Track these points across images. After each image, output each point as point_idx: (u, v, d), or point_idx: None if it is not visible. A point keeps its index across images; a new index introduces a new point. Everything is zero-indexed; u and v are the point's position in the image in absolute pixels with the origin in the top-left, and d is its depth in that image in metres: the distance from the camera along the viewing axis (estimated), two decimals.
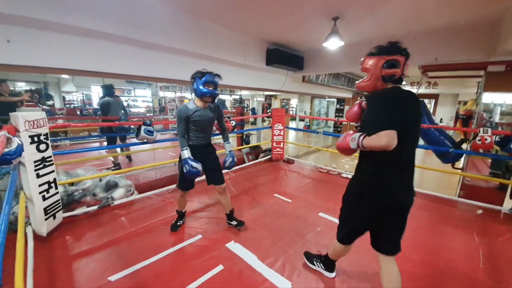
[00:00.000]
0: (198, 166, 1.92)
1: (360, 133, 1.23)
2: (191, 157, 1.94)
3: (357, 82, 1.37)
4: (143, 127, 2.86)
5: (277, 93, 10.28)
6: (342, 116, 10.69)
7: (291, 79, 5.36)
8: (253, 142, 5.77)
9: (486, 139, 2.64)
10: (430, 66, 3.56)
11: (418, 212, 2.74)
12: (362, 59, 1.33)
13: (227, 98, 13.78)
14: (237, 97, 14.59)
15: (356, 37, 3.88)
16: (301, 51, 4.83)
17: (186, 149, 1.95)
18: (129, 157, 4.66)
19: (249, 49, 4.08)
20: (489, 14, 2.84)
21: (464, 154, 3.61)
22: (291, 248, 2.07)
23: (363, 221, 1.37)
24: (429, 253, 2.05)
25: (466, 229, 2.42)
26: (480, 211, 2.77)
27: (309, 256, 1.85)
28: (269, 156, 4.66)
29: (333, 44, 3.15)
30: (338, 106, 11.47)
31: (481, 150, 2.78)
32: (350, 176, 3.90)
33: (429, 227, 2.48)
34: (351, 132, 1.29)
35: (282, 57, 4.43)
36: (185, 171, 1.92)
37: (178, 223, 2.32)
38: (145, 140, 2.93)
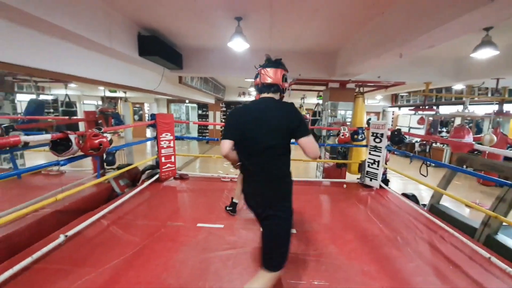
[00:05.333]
0: None
1: None
2: None
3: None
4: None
5: (125, 94, 8.25)
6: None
7: (166, 79, 4.47)
8: (119, 161, 4.18)
9: (346, 134, 3.69)
10: (298, 79, 4.43)
11: (313, 198, 3.30)
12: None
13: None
14: (50, 97, 10.01)
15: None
16: (180, 46, 4.14)
17: None
18: None
19: (115, 28, 2.84)
20: (332, 48, 3.98)
21: (320, 147, 4.86)
22: None
23: None
24: (348, 226, 2.47)
25: (349, 201, 3.22)
26: (345, 186, 3.83)
27: None
28: (157, 177, 3.57)
29: (238, 45, 2.96)
30: (200, 112, 11.38)
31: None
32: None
33: (330, 207, 3.05)
34: None
35: (161, 48, 3.54)
36: None
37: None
38: None
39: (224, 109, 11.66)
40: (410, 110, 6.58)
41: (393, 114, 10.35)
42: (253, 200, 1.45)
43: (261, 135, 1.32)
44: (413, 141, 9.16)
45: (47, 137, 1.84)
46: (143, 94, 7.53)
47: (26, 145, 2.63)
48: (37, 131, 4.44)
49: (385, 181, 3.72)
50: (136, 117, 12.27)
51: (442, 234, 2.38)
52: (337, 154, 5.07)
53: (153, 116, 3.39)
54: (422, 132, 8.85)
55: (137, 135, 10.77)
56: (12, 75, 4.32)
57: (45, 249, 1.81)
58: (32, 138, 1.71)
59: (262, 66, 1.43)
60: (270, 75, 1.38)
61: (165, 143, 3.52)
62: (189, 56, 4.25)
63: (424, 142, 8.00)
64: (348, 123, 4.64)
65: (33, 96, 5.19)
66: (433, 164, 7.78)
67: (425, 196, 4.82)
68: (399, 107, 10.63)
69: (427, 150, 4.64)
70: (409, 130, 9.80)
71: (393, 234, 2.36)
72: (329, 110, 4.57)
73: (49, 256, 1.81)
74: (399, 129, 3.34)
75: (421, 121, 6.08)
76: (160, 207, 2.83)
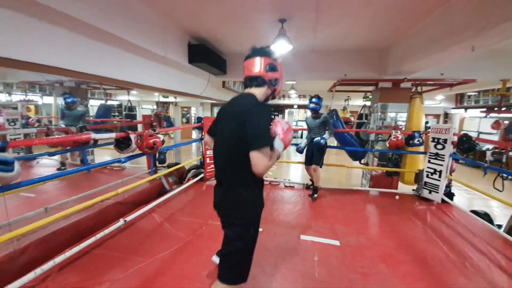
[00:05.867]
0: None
1: None
2: None
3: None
4: None
5: (175, 99, 9.03)
6: None
7: (211, 84, 4.70)
8: (169, 160, 4.55)
9: (398, 137, 3.31)
10: (343, 80, 4.17)
11: (359, 208, 3.04)
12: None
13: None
14: (116, 102, 11.61)
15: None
16: (224, 52, 4.31)
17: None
18: None
19: (169, 38, 3.09)
20: (383, 44, 3.64)
21: (368, 152, 4.48)
22: None
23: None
24: (402, 245, 2.18)
25: (403, 215, 2.85)
26: (397, 197, 3.42)
27: None
28: (201, 176, 3.77)
29: (282, 47, 2.92)
30: None
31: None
32: (292, 184, 3.96)
33: (378, 221, 2.74)
34: None
35: (208, 56, 3.73)
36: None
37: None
38: None
39: None
40: (481, 112, 5.58)
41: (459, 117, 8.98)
42: (215, 202, 1.30)
43: (221, 134, 1.24)
44: (484, 149, 7.75)
45: (112, 135, 2.10)
46: (190, 98, 8.11)
47: (95, 143, 3.04)
48: (106, 131, 5.13)
49: (449, 194, 3.21)
50: (184, 119, 13.31)
51: None
52: (387, 161, 4.59)
53: (199, 119, 3.59)
54: (495, 138, 7.45)
55: (184, 136, 11.61)
56: (86, 83, 5.10)
57: (107, 231, 2.05)
58: (100, 136, 1.97)
59: (246, 58, 1.26)
60: (251, 66, 1.21)
61: None
62: (232, 61, 4.39)
63: (498, 150, 6.69)
64: (400, 126, 4.17)
65: (102, 102, 6.03)
66: (510, 177, 6.46)
67: (498, 215, 4.02)
68: (466, 108, 9.14)
69: (503, 160, 3.83)
70: (478, 136, 8.35)
71: (460, 258, 2.00)
72: (379, 113, 4.17)
73: (108, 243, 2.04)
74: (468, 135, 2.84)
75: (496, 125, 5.07)
76: (202, 205, 2.96)
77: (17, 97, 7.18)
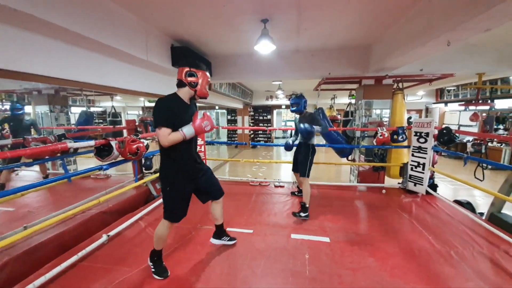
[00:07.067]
0: None
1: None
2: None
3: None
4: None
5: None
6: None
7: None
8: (156, 165, 4.44)
9: (385, 134, 3.38)
10: (328, 78, 4.23)
11: (347, 204, 3.09)
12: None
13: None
14: (99, 109, 11.27)
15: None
16: (209, 55, 4.28)
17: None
18: None
19: (151, 42, 3.03)
20: (365, 42, 3.72)
21: (354, 149, 4.55)
22: None
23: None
24: (390, 238, 2.23)
25: (390, 208, 2.92)
26: (384, 191, 3.49)
27: None
28: None
29: (265, 47, 2.92)
30: (229, 117, 11.70)
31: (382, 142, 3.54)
32: (282, 184, 3.97)
33: (367, 215, 2.79)
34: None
35: (193, 58, 3.69)
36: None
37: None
38: None
39: (252, 113, 11.78)
40: (460, 105, 5.81)
41: (439, 111, 9.35)
42: None
43: None
44: (464, 141, 8.10)
45: (91, 143, 2.02)
46: None
47: (75, 151, 2.91)
48: (88, 139, 4.95)
49: (433, 186, 3.31)
50: None
51: (507, 249, 2.01)
52: (374, 156, 4.68)
53: None
54: (474, 130, 7.80)
55: None
56: (65, 90, 4.91)
57: (89, 248, 1.96)
58: (78, 145, 1.89)
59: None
60: (177, 74, 1.62)
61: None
62: (217, 64, 4.35)
63: (478, 141, 7.00)
64: (385, 123, 4.27)
65: (84, 108, 5.84)
66: (490, 167, 6.77)
67: (480, 203, 4.19)
68: (446, 103, 9.52)
69: (483, 150, 4.02)
70: (458, 129, 8.72)
71: (446, 248, 2.06)
72: (363, 110, 4.26)
73: (93, 255, 1.96)
74: (448, 127, 2.94)
75: (474, 117, 5.29)
76: (191, 209, 2.85)
77: None
